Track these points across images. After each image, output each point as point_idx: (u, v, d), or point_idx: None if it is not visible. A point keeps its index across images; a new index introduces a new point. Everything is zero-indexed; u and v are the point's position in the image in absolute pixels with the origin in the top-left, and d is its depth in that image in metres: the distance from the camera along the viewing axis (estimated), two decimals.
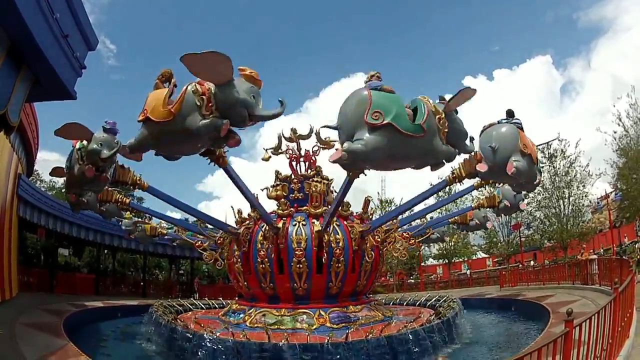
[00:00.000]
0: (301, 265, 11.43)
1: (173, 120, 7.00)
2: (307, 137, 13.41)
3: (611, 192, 32.41)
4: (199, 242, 14.17)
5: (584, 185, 31.51)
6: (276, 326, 10.83)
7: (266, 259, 11.76)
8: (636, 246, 20.24)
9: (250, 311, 12.03)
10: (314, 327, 10.63)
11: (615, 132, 28.64)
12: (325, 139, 13.25)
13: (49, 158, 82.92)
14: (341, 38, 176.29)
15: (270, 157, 13.70)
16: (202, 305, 16.66)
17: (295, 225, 11.82)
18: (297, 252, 11.43)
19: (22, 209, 17.18)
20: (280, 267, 11.73)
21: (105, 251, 30.73)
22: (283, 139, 13.58)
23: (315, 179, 13.11)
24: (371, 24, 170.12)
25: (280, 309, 11.67)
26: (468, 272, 46.78)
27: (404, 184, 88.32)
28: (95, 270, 26.28)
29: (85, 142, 9.33)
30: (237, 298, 14.75)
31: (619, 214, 33.08)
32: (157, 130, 7.29)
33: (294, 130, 13.50)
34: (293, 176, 13.55)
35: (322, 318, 11.10)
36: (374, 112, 6.83)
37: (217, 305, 16.56)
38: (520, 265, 32.31)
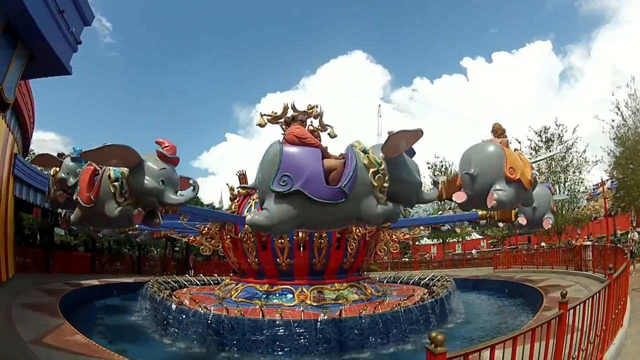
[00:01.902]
0: (283, 241, 11.42)
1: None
2: (283, 114, 13.12)
3: (607, 180, 32.46)
4: (192, 237, 14.25)
5: (580, 172, 31.58)
6: (255, 301, 10.90)
7: (250, 234, 11.75)
8: (629, 236, 20.29)
9: (238, 286, 12.16)
10: (294, 303, 10.72)
11: (613, 121, 28.69)
12: (307, 107, 12.96)
13: (45, 138, 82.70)
14: (340, 16, 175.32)
15: (266, 123, 13.60)
16: (197, 282, 16.74)
17: None
18: None
19: (18, 189, 17.11)
20: (263, 243, 11.74)
21: None
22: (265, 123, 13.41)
23: None
24: (370, 3, 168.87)
25: (263, 285, 11.76)
26: (474, 252, 47.16)
27: None
28: (91, 249, 26.39)
29: (125, 170, 7.99)
30: (231, 274, 14.81)
31: (614, 203, 33.21)
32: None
33: (267, 115, 13.24)
34: None
35: (304, 294, 11.14)
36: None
37: (212, 282, 16.64)
38: (537, 246, 32.12)
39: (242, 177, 13.20)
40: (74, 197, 7.74)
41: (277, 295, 11.32)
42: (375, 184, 6.02)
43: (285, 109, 12.96)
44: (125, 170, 6.89)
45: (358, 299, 11.58)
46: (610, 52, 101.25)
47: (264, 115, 13.30)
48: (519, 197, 7.30)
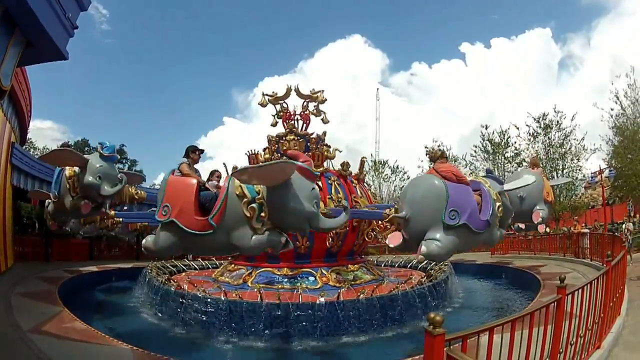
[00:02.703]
0: None
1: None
2: (286, 96, 13.35)
3: (605, 169, 32.52)
4: None
5: (578, 159, 31.64)
6: (280, 286, 10.84)
7: None
8: (623, 226, 20.33)
9: (250, 271, 11.99)
10: (318, 286, 10.70)
11: (612, 110, 28.70)
12: (310, 91, 13.35)
13: (43, 126, 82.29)
14: (338, 0, 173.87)
15: (277, 122, 13.57)
16: (196, 266, 16.71)
17: None
18: None
19: (16, 177, 17.04)
20: None
21: None
22: (266, 103, 13.48)
23: (287, 138, 12.90)
24: None
25: (281, 268, 11.66)
26: None
27: (399, 148, 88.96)
28: (89, 235, 26.17)
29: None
30: (230, 258, 14.80)
31: (612, 192, 33.29)
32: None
33: (269, 95, 13.44)
34: (271, 137, 13.39)
35: (325, 277, 11.22)
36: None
37: (210, 266, 16.62)
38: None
39: (254, 156, 13.06)
40: (162, 218, 6.51)
41: (299, 278, 11.25)
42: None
43: (288, 90, 13.10)
44: (261, 188, 6.18)
45: (371, 279, 11.93)
46: (610, 43, 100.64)
47: (266, 95, 13.31)
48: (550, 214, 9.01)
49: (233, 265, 13.04)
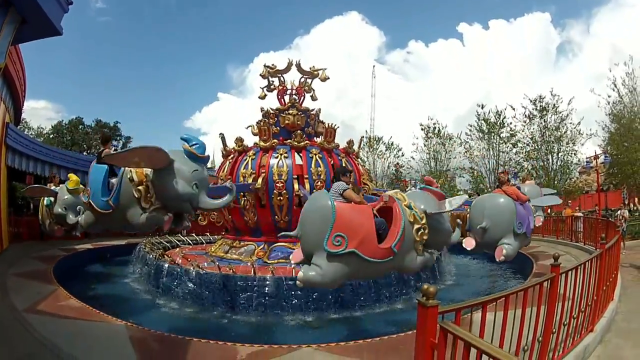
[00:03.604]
0: (282, 198, 11.33)
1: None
2: (287, 70, 13.34)
3: (600, 154, 32.66)
4: None
5: (573, 143, 31.73)
6: (255, 258, 11.09)
7: (252, 195, 11.65)
8: (618, 212, 20.36)
9: (234, 244, 12.19)
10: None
11: (609, 97, 28.72)
12: (310, 68, 13.37)
13: (37, 106, 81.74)
14: None
15: (266, 95, 13.53)
16: (190, 241, 16.77)
17: (277, 157, 11.66)
18: (277, 185, 11.29)
19: (10, 158, 16.99)
20: (261, 200, 11.64)
21: None
22: (268, 75, 13.41)
23: (290, 112, 12.87)
24: None
25: (261, 242, 11.79)
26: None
27: (395, 125, 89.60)
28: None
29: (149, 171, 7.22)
30: (224, 232, 14.78)
31: (606, 178, 33.39)
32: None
33: (269, 67, 13.33)
34: (271, 110, 13.32)
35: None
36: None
37: (204, 241, 16.67)
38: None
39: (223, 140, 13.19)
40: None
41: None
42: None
43: (289, 65, 13.05)
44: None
45: None
46: (609, 31, 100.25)
47: (267, 66, 13.25)
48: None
49: (223, 240, 13.24)
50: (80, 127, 52.11)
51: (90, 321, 6.83)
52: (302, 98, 13.52)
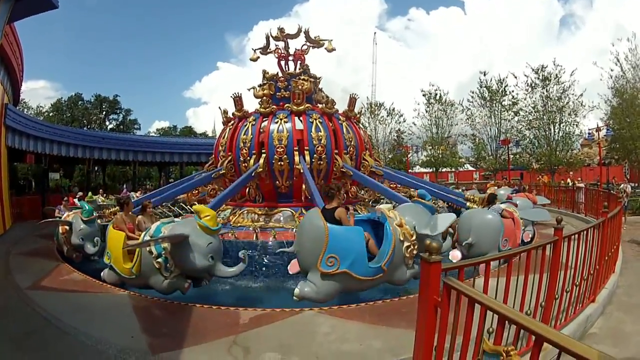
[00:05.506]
0: (282, 163, 11.14)
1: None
2: (296, 36, 13.17)
3: (603, 127, 32.51)
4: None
5: (575, 114, 31.54)
6: (258, 224, 10.96)
7: (248, 158, 11.47)
8: (621, 186, 20.30)
9: (235, 211, 11.98)
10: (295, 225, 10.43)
11: (612, 70, 28.49)
12: (315, 37, 13.22)
13: (36, 86, 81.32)
14: None
15: (258, 57, 13.38)
16: (191, 210, 16.66)
17: (277, 122, 11.43)
18: (278, 150, 11.11)
19: (10, 138, 16.96)
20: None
21: (96, 168, 31.23)
22: (271, 38, 13.24)
23: (303, 77, 12.60)
24: None
25: (262, 208, 11.66)
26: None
27: (396, 91, 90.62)
28: (86, 188, 25.95)
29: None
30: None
31: (608, 152, 33.23)
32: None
33: (281, 30, 13.14)
34: (280, 75, 13.06)
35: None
36: None
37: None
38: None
39: (238, 99, 12.55)
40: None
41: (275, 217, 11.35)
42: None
43: (299, 31, 13.05)
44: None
45: None
46: (612, 6, 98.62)
47: (278, 29, 13.20)
48: None
49: (223, 206, 12.41)
50: (79, 102, 51.95)
51: (94, 293, 6.93)
52: (303, 64, 13.33)
